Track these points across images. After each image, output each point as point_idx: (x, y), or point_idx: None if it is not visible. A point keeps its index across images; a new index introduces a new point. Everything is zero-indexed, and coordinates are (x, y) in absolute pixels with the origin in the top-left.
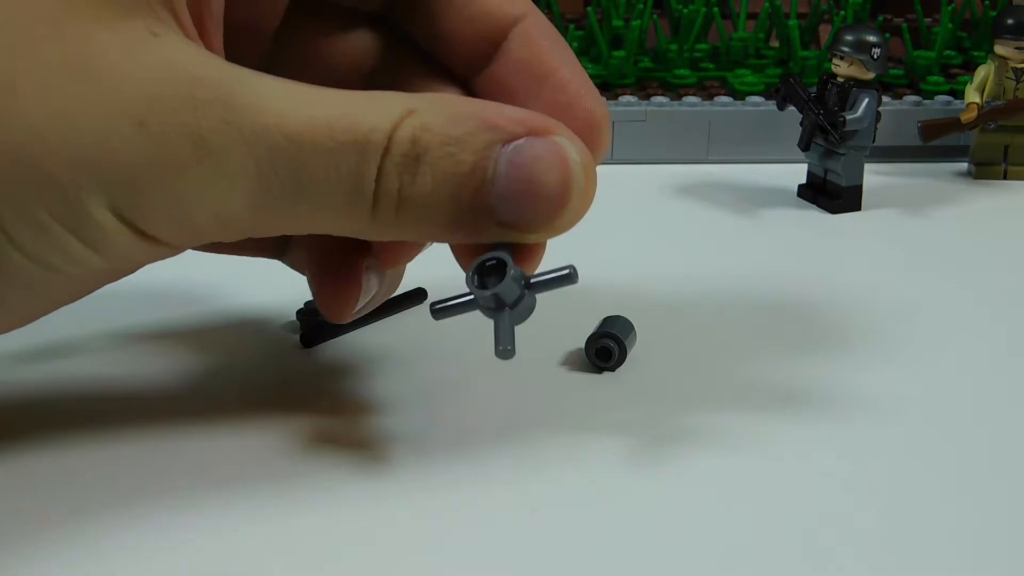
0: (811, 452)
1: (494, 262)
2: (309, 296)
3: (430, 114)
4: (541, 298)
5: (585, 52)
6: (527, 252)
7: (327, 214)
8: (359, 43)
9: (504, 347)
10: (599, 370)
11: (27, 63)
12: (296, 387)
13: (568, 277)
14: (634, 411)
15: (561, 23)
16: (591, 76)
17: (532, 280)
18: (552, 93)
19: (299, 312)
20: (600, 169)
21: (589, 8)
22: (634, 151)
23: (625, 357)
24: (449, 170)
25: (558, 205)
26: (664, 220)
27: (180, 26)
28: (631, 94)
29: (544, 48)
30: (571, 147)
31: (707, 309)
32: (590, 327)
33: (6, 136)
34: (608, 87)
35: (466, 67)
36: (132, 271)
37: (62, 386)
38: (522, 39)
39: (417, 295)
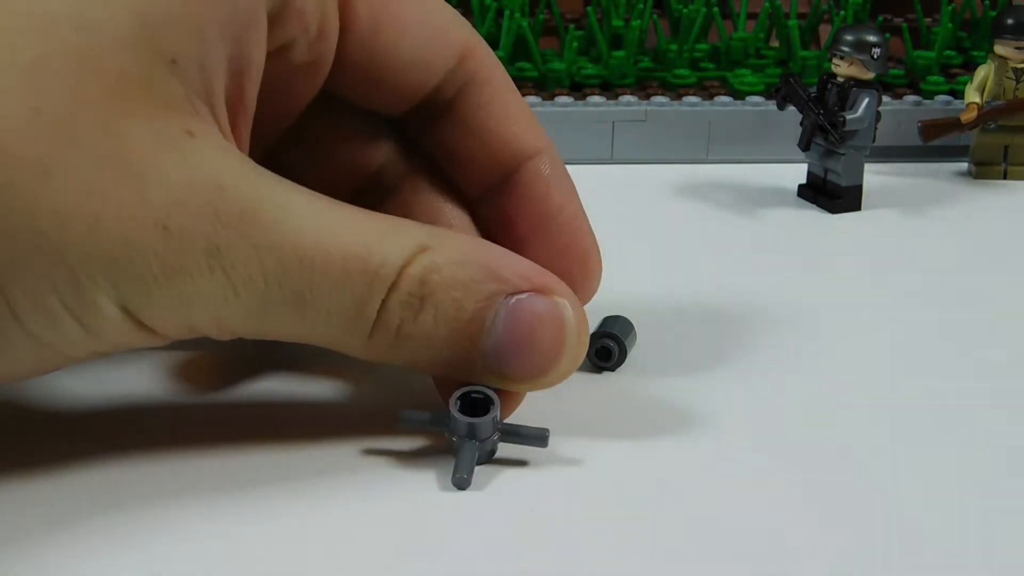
0: (812, 452)
1: (481, 396)
2: None
3: (441, 254)
4: None
5: (585, 52)
6: (508, 396)
7: (322, 332)
8: (372, 142)
9: (461, 475)
10: (599, 370)
11: (64, 149)
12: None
13: (541, 439)
14: (634, 411)
15: (561, 23)
16: (591, 76)
17: (505, 427)
18: (552, 234)
19: None
20: (600, 169)
21: (589, 8)
22: (634, 151)
23: (625, 357)
24: (451, 314)
25: (548, 365)
26: (664, 220)
27: (216, 120)
28: (631, 94)
29: (553, 187)
30: (570, 310)
31: (707, 309)
32: (590, 327)
33: (32, 221)
34: (608, 87)
35: (475, 189)
36: (118, 352)
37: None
38: (534, 174)
39: None
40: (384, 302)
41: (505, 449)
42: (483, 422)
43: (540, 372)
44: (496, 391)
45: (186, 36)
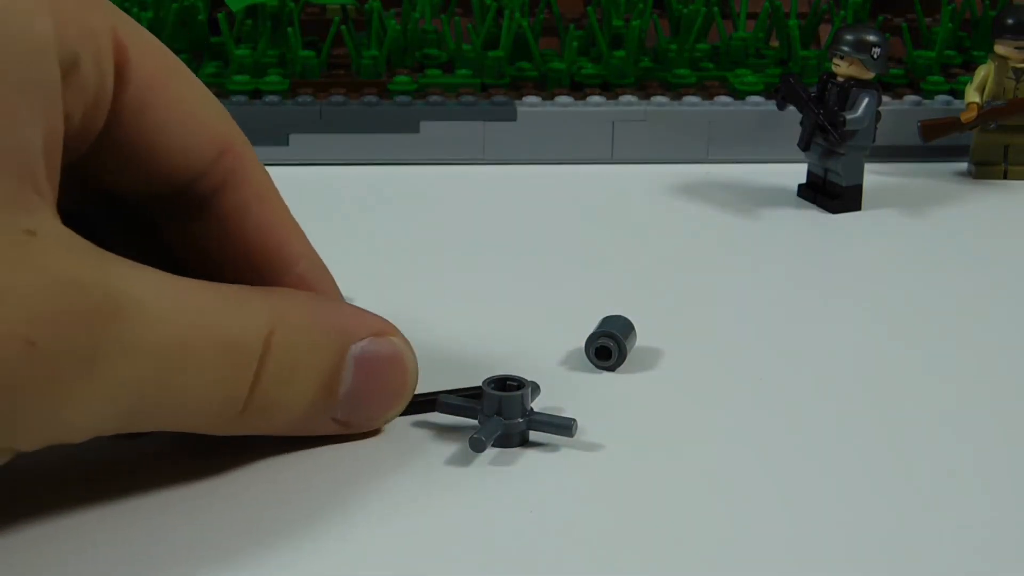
0: (812, 452)
1: (515, 383)
2: None
3: (295, 316)
4: (542, 298)
5: (585, 52)
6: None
7: (196, 418)
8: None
9: (480, 437)
10: (599, 370)
11: None
12: None
13: (567, 428)
14: (634, 411)
15: (561, 23)
16: (591, 76)
17: (534, 414)
18: (260, 256)
19: None
20: (600, 169)
21: (589, 8)
22: (634, 151)
23: (625, 357)
24: (314, 376)
25: (395, 401)
26: (664, 220)
27: (48, 206)
28: (631, 94)
29: (317, 290)
30: (405, 347)
31: (707, 309)
32: (590, 327)
33: None
34: (608, 87)
35: (160, 214)
36: None
37: None
38: (298, 281)
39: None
40: (256, 376)
41: (503, 451)
42: (511, 397)
43: (387, 409)
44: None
45: (4, 123)
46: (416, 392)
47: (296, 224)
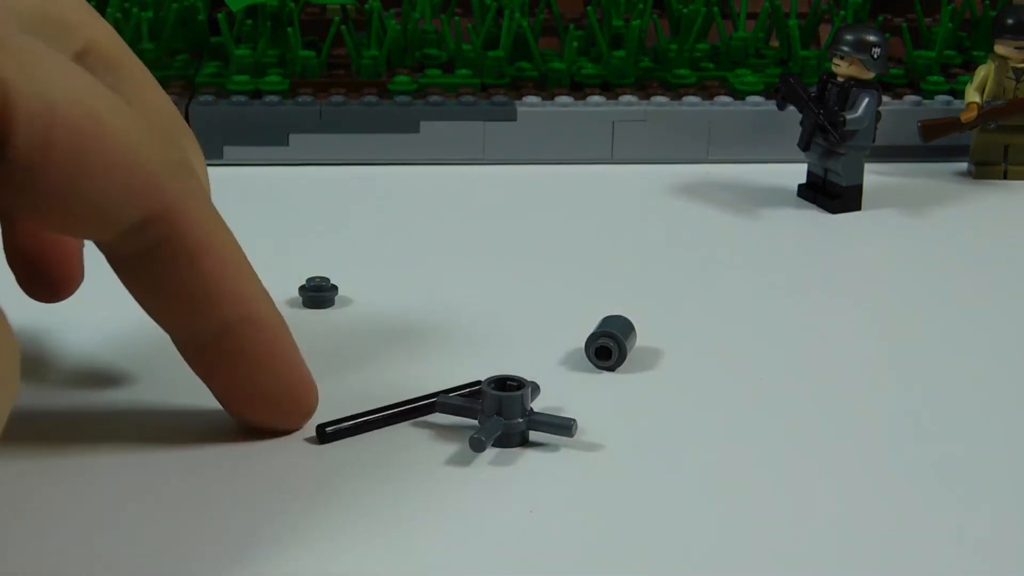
0: (812, 451)
1: (515, 384)
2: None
3: None
4: (542, 298)
5: (585, 52)
6: None
7: None
8: None
9: (480, 437)
10: (599, 370)
11: None
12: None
13: (566, 429)
14: (633, 411)
15: (561, 23)
16: (591, 76)
17: (534, 415)
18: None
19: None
20: (600, 169)
21: (589, 8)
22: (634, 151)
23: (625, 357)
24: None
25: None
26: (664, 220)
27: None
28: (631, 94)
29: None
30: None
31: (707, 309)
32: (590, 327)
33: None
34: (608, 87)
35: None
36: None
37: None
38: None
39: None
40: None
41: (504, 452)
42: (511, 398)
43: None
44: (535, 386)
45: None
46: (415, 397)
47: (239, 271)
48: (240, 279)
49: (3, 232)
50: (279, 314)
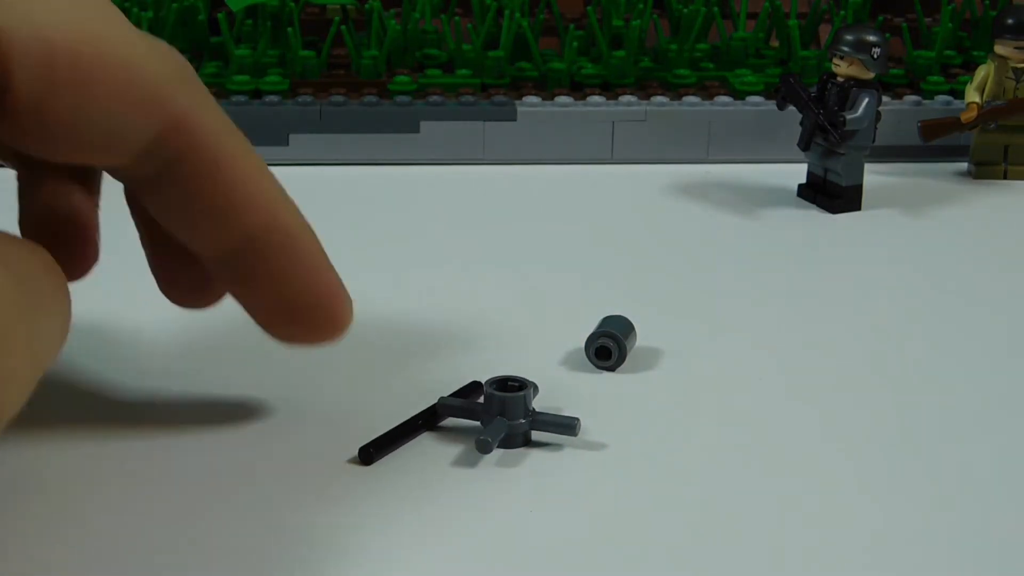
0: (812, 451)
1: (516, 384)
2: None
3: None
4: (542, 298)
5: (585, 52)
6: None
7: None
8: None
9: (486, 439)
10: (599, 370)
11: None
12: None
13: (570, 428)
14: (633, 411)
15: (561, 23)
16: (591, 76)
17: (537, 414)
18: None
19: None
20: (600, 169)
21: (589, 8)
22: (634, 151)
23: (625, 357)
24: None
25: None
26: (664, 220)
27: None
28: (631, 94)
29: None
30: None
31: (707, 309)
32: (590, 327)
33: None
34: (608, 87)
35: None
36: None
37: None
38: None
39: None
40: None
41: (503, 451)
42: (515, 398)
43: None
44: (525, 380)
45: None
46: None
47: (261, 178)
48: (262, 186)
49: (19, 208)
50: (305, 220)
